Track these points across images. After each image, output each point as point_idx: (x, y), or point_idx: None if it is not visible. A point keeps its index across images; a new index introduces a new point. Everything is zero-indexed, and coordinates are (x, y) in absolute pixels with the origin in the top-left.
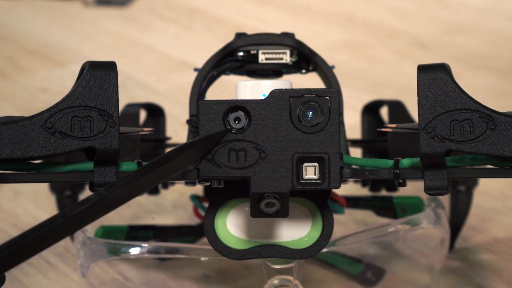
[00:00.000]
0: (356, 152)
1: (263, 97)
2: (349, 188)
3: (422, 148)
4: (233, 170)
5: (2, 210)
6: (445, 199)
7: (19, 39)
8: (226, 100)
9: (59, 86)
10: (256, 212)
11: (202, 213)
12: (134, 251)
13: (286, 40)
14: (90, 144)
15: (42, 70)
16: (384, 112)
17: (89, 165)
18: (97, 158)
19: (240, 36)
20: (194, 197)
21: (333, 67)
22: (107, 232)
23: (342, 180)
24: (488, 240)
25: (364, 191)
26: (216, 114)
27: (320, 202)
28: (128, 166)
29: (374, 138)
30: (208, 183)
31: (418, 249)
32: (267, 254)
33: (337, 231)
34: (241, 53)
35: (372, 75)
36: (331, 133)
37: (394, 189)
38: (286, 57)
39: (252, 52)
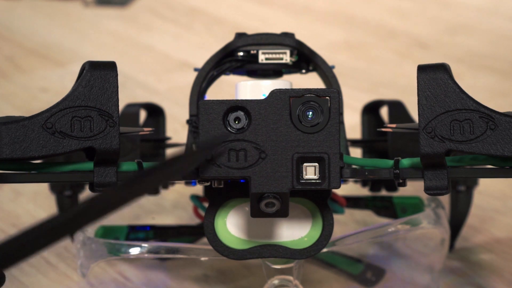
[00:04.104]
0: (356, 152)
1: (263, 97)
2: (349, 188)
3: (422, 148)
4: (233, 170)
5: (2, 210)
6: (445, 199)
7: (19, 39)
8: (226, 100)
9: (59, 86)
10: (256, 212)
11: (202, 213)
12: (134, 251)
13: (286, 40)
14: (90, 144)
15: (42, 70)
16: (384, 112)
17: (89, 165)
18: (97, 158)
19: (240, 36)
20: (194, 197)
21: (333, 67)
22: (107, 232)
23: (342, 180)
24: (488, 240)
25: (364, 191)
26: (216, 114)
27: (320, 202)
28: (128, 166)
29: (374, 138)
30: (208, 183)
31: (418, 249)
32: (267, 254)
33: (337, 231)
34: (241, 53)
35: (372, 75)
36: (331, 133)
37: (394, 189)
38: (286, 57)
39: (252, 52)
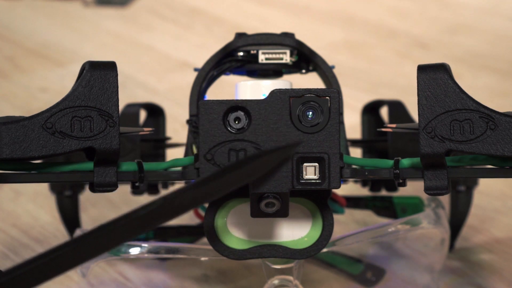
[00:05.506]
0: (356, 152)
1: (263, 97)
2: (349, 188)
3: (422, 148)
4: None
5: (2, 210)
6: (445, 199)
7: (19, 39)
8: (226, 100)
9: (59, 86)
10: (256, 212)
11: (202, 213)
12: (134, 251)
13: (286, 40)
14: (90, 144)
15: (42, 70)
16: (384, 112)
17: (89, 165)
18: (97, 158)
19: (240, 36)
20: None
21: (333, 67)
22: None
23: (342, 180)
24: (488, 240)
25: (364, 191)
26: (216, 114)
27: (320, 202)
28: (128, 166)
29: (374, 138)
30: None
31: (418, 249)
32: (267, 254)
33: (337, 231)
34: (241, 53)
35: (372, 75)
36: (331, 133)
37: (394, 189)
38: (286, 57)
39: (252, 52)
